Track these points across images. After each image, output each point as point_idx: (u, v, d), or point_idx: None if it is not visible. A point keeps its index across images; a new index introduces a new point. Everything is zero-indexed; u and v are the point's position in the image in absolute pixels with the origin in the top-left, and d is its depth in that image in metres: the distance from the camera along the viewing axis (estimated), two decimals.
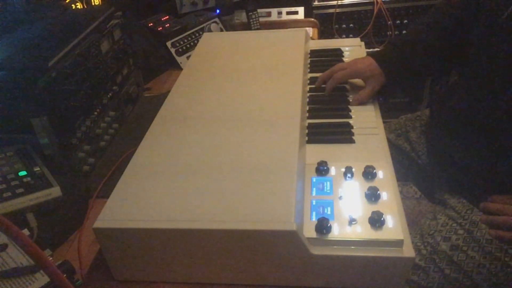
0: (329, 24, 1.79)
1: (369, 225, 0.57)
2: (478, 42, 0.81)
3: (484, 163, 0.80)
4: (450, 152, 0.86)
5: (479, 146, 0.80)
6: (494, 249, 0.76)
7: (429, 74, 0.97)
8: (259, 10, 1.49)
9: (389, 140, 1.08)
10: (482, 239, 0.77)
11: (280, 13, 1.61)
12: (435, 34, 0.90)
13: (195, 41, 1.36)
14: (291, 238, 0.54)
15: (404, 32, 1.79)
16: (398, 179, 0.67)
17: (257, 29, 1.47)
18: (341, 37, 1.82)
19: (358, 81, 0.92)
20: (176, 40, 1.33)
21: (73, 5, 1.24)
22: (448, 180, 0.91)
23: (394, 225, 0.57)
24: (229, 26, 1.50)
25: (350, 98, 0.89)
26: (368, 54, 0.95)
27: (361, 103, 0.87)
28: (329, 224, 0.57)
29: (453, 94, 0.89)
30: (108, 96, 0.98)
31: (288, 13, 1.60)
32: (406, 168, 1.08)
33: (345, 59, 1.05)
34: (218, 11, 1.51)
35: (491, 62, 0.77)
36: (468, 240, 0.78)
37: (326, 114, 0.85)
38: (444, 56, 0.91)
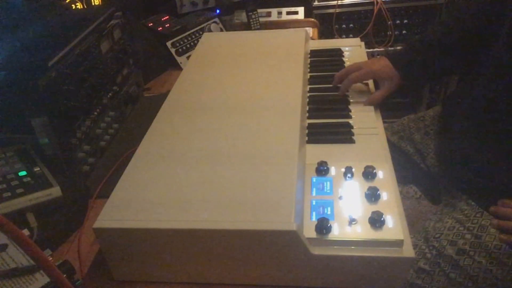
0: (329, 24, 1.79)
1: (369, 225, 0.57)
2: (503, 35, 0.77)
3: (500, 166, 0.78)
4: (464, 153, 0.84)
5: (496, 148, 0.78)
6: (502, 254, 0.75)
7: (446, 75, 0.95)
8: (259, 10, 1.49)
9: (391, 142, 1.06)
10: (490, 244, 0.76)
11: (280, 13, 1.60)
12: (454, 34, 0.89)
13: (195, 41, 1.36)
14: (291, 238, 0.54)
15: (404, 32, 1.79)
16: (398, 182, 0.67)
17: (257, 29, 1.47)
18: (341, 37, 1.82)
19: (359, 85, 0.93)
20: (176, 40, 1.33)
21: (73, 5, 1.24)
22: (458, 182, 0.89)
23: (394, 225, 0.57)
24: (229, 26, 1.50)
25: (350, 98, 0.89)
26: (384, 54, 0.94)
27: (374, 104, 0.87)
28: (329, 224, 0.57)
29: (469, 94, 0.87)
30: (108, 96, 0.98)
31: (288, 13, 1.60)
32: (407, 171, 1.06)
33: (345, 59, 1.05)
34: (218, 11, 1.51)
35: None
36: (475, 245, 0.77)
37: (326, 114, 0.85)
38: (463, 55, 0.89)
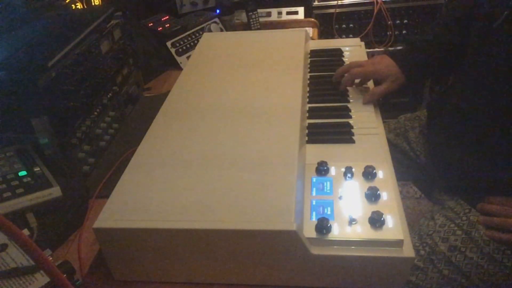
0: (329, 24, 1.79)
1: (369, 225, 0.57)
2: (473, 46, 0.81)
3: (481, 165, 0.79)
4: (448, 153, 0.86)
5: (476, 148, 0.80)
6: (492, 250, 0.76)
7: (449, 73, 0.97)
8: (259, 10, 1.49)
9: (388, 140, 1.08)
10: (480, 240, 0.77)
11: (280, 13, 1.60)
12: (454, 32, 0.90)
13: (195, 41, 1.36)
14: (291, 238, 0.54)
15: (404, 32, 1.79)
16: (397, 178, 0.67)
17: (257, 29, 1.47)
18: (341, 37, 1.82)
19: (360, 87, 0.92)
20: (176, 40, 1.33)
21: (73, 5, 1.24)
22: (446, 180, 0.91)
23: (394, 225, 0.57)
24: (229, 26, 1.50)
25: (350, 98, 0.89)
26: (387, 53, 0.94)
27: (374, 99, 0.87)
28: (329, 224, 0.57)
29: (451, 96, 0.89)
30: (108, 96, 0.98)
31: (288, 13, 1.60)
32: (405, 167, 1.08)
33: (345, 59, 1.05)
34: (218, 11, 1.51)
35: (486, 66, 0.77)
36: (466, 241, 0.78)
37: (326, 114, 0.85)
38: (464, 56, 0.90)
